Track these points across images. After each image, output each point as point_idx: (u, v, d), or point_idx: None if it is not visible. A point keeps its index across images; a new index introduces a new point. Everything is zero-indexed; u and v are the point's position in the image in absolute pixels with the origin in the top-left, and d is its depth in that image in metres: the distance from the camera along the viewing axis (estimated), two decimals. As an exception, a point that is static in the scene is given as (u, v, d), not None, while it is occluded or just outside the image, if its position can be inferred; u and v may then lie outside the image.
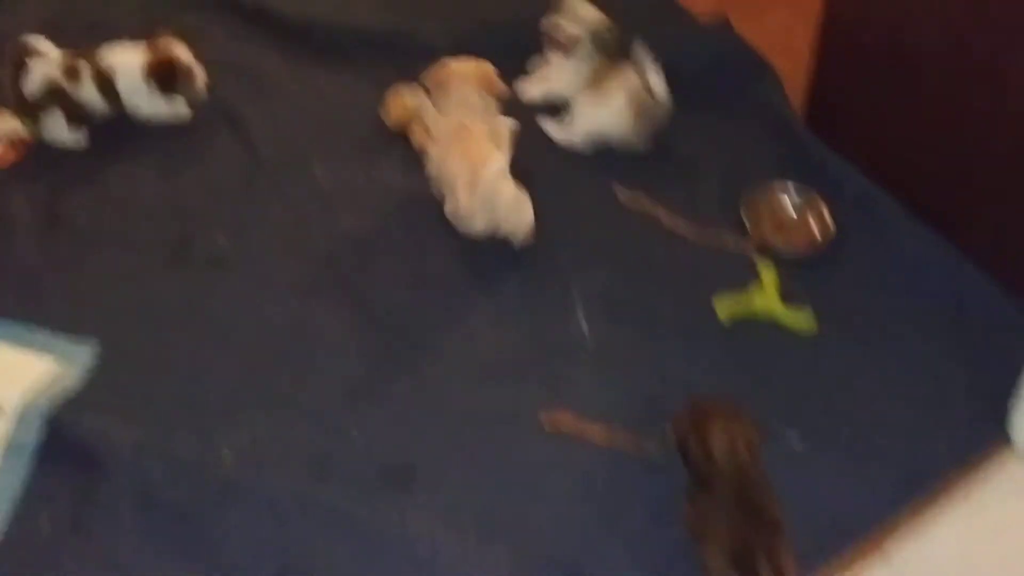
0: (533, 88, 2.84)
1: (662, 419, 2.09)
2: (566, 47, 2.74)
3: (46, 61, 2.66)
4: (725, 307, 2.32)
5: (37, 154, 2.74)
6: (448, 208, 2.51)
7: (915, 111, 2.44)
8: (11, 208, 2.61)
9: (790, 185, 2.57)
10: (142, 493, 2.05)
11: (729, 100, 2.84)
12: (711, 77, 2.87)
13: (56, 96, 2.66)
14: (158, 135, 2.81)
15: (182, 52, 2.74)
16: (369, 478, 2.09)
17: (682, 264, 2.45)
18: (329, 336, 2.34)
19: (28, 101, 2.67)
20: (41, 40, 2.71)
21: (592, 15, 2.75)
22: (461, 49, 2.80)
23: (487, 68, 2.60)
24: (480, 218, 2.44)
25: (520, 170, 2.49)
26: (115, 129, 2.80)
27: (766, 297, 2.34)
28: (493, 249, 2.50)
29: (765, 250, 2.44)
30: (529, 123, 2.75)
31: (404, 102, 2.76)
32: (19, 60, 2.66)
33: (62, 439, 2.13)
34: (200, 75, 2.76)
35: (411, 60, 2.91)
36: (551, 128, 2.75)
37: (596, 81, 2.70)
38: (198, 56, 2.78)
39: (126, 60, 2.71)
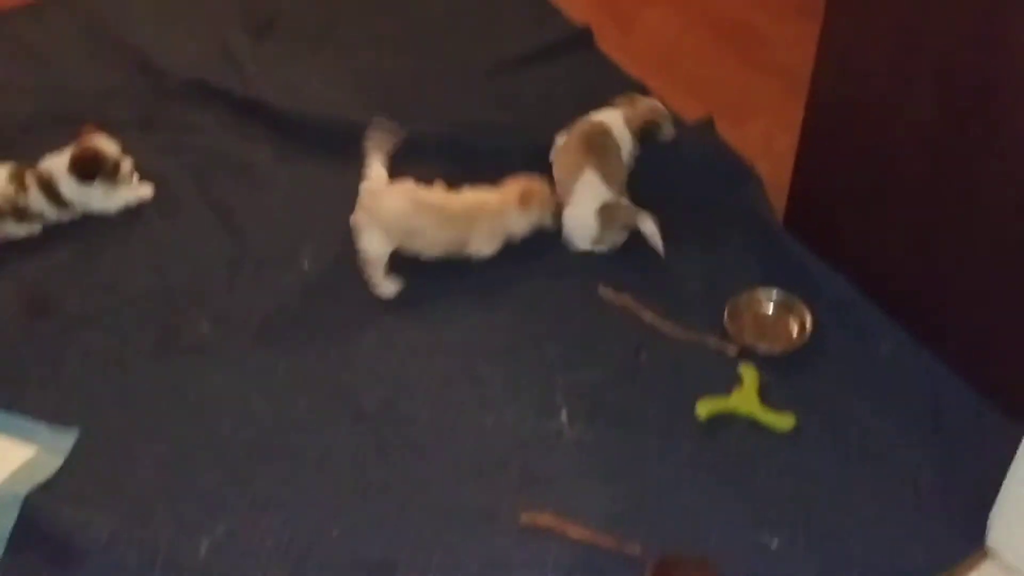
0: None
1: (641, 517, 2.10)
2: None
3: None
4: (706, 408, 2.34)
5: (27, 240, 2.77)
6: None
7: (892, 216, 2.50)
8: (-1, 293, 2.63)
9: (772, 289, 2.62)
10: (116, 583, 2.02)
11: (713, 203, 2.89)
12: (696, 179, 2.93)
13: (8, 208, 2.73)
14: (147, 223, 2.84)
15: (104, 144, 2.80)
16: (348, 575, 2.06)
17: (665, 364, 2.47)
18: (312, 429, 2.34)
19: None
20: None
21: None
22: (450, 146, 2.87)
23: (537, 183, 2.71)
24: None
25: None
26: (103, 217, 2.84)
27: (747, 399, 2.36)
28: (478, 343, 2.53)
29: (747, 353, 2.47)
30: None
31: None
32: None
33: (38, 526, 2.12)
34: (126, 165, 2.83)
35: (401, 154, 2.97)
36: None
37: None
38: (124, 147, 2.86)
39: (60, 162, 2.78)
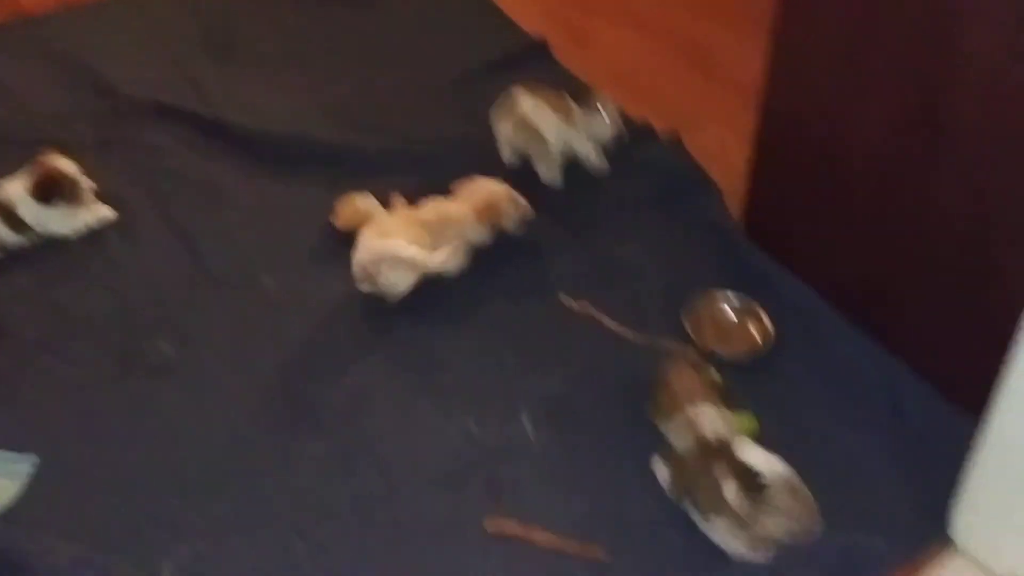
0: None
1: (606, 521, 2.12)
2: None
3: None
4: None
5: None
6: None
7: (847, 222, 2.53)
8: (-46, 322, 2.60)
9: (730, 293, 2.64)
10: (77, 608, 2.00)
11: (673, 210, 2.93)
12: (658, 190, 2.97)
13: None
14: (106, 246, 2.83)
15: (63, 165, 2.80)
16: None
17: (626, 370, 2.48)
18: (273, 447, 2.33)
19: None
20: None
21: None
22: (413, 163, 2.88)
23: (501, 194, 2.72)
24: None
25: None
26: (61, 241, 2.83)
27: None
28: (440, 355, 2.53)
29: (707, 356, 2.49)
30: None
31: (355, 205, 2.82)
32: None
33: (-3, 553, 2.08)
34: (85, 186, 2.82)
35: (362, 171, 3.00)
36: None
37: None
38: (83, 170, 2.85)
39: (18, 186, 2.76)
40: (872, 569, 2.10)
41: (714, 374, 2.32)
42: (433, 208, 2.69)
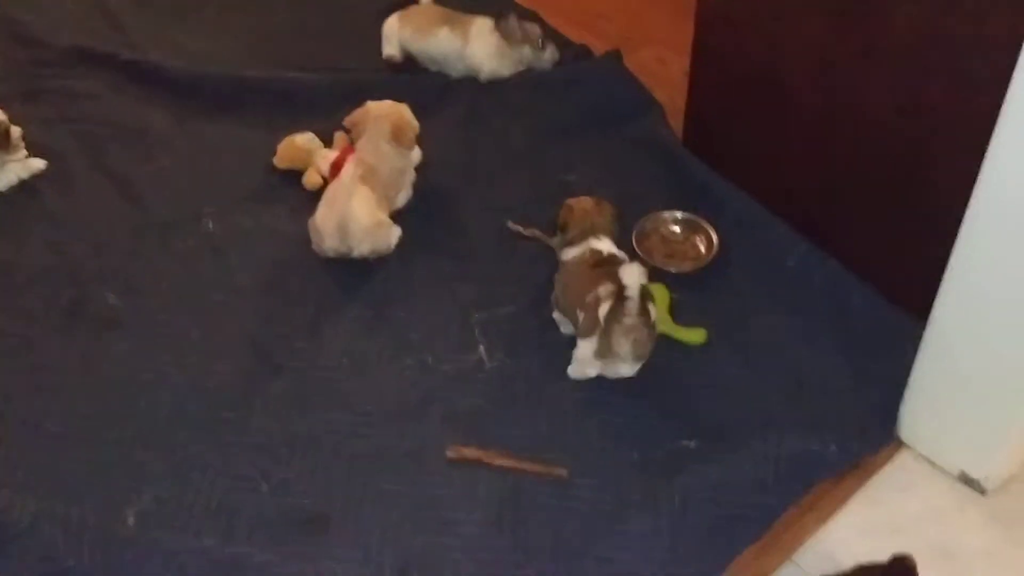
0: None
1: (564, 439, 2.17)
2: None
3: None
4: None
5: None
6: (310, 225, 2.56)
7: (787, 131, 2.55)
8: None
9: (676, 212, 2.66)
10: (43, 560, 1.99)
11: (616, 130, 2.93)
12: (602, 108, 2.97)
13: None
14: (41, 199, 2.77)
15: None
16: (280, 531, 2.06)
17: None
18: (230, 389, 2.32)
19: None
20: None
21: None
22: (346, 97, 2.84)
23: (401, 112, 2.63)
24: (330, 235, 2.50)
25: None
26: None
27: (659, 317, 2.40)
28: (391, 287, 2.53)
29: (656, 273, 2.51)
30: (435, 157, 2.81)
31: (295, 143, 2.78)
32: None
33: (-44, 514, 2.06)
34: (16, 133, 2.76)
35: (297, 108, 2.95)
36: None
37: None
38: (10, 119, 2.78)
39: None
40: (824, 470, 2.16)
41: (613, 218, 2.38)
42: (366, 164, 2.60)
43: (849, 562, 1.88)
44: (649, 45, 3.21)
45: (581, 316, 2.22)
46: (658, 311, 2.39)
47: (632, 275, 2.12)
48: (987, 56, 2.00)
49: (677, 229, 2.65)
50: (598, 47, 3.16)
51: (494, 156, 2.87)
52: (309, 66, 3.14)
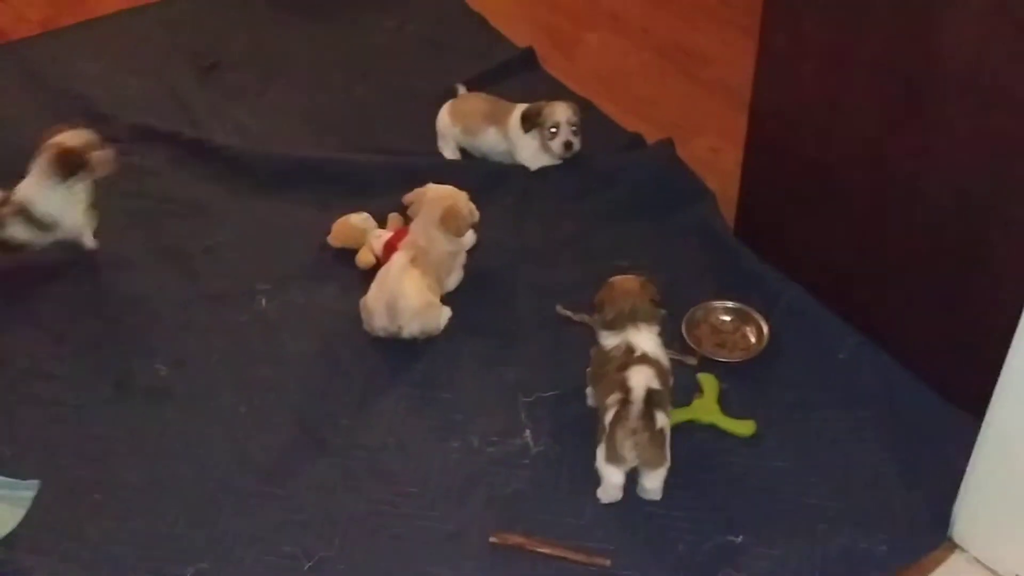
0: None
1: (609, 528, 2.14)
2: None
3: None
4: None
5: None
6: (361, 304, 2.58)
7: (840, 224, 2.54)
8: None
9: (727, 301, 2.65)
10: (82, 633, 1.99)
11: (668, 217, 2.94)
12: (654, 195, 2.99)
13: None
14: (96, 271, 2.82)
15: (82, 138, 2.78)
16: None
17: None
18: (275, 464, 2.33)
19: None
20: None
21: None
22: (403, 178, 2.89)
23: (456, 199, 2.65)
24: (380, 315, 2.51)
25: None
26: (53, 265, 2.82)
27: (707, 407, 2.39)
28: (439, 368, 2.54)
29: (706, 363, 2.50)
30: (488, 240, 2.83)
31: (350, 222, 2.82)
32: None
33: (-1, 581, 2.08)
34: (106, 157, 2.80)
35: (353, 188, 3.00)
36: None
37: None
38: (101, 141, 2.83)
39: (31, 184, 2.75)
40: (873, 570, 2.11)
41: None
42: (418, 246, 2.62)
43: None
44: (703, 135, 3.24)
45: (601, 422, 2.20)
46: (707, 401, 2.40)
47: (639, 379, 2.11)
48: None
49: (727, 319, 2.64)
50: (651, 135, 3.19)
51: (545, 240, 2.89)
52: (366, 148, 3.20)
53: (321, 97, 3.43)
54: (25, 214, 2.73)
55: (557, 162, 3.06)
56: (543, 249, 2.87)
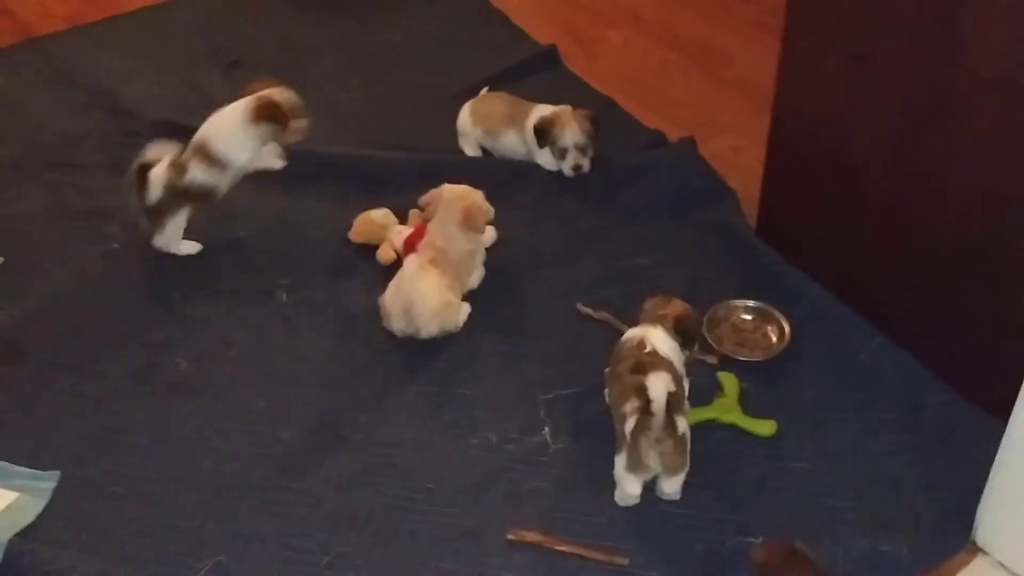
0: None
1: (627, 527, 2.14)
2: None
3: (158, 169, 2.76)
4: (688, 417, 2.34)
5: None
6: (380, 303, 2.59)
7: (862, 222, 2.53)
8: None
9: (748, 300, 2.64)
10: (102, 624, 2.00)
11: (689, 216, 2.93)
12: (675, 196, 2.98)
13: (175, 193, 2.75)
14: (119, 265, 2.84)
15: (290, 100, 2.81)
16: (340, 605, 2.05)
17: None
18: (294, 459, 2.33)
19: (155, 210, 2.77)
20: (153, 148, 2.80)
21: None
22: (426, 175, 2.89)
23: (474, 198, 2.65)
24: (397, 317, 2.52)
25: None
26: (74, 259, 2.84)
27: (728, 407, 2.38)
28: (458, 365, 2.54)
29: (727, 362, 2.48)
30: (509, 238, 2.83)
31: (371, 218, 2.83)
32: (140, 179, 2.75)
33: (22, 572, 2.08)
34: (302, 126, 2.83)
35: (375, 184, 3.00)
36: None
37: None
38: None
39: (217, 123, 2.78)
40: (896, 574, 2.08)
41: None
42: (436, 246, 2.62)
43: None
44: (724, 133, 3.23)
45: (619, 428, 2.18)
46: (728, 401, 2.38)
47: (658, 387, 2.08)
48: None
49: (749, 318, 2.62)
50: (673, 134, 3.18)
51: (565, 238, 2.89)
52: (387, 144, 3.20)
53: (342, 93, 3.44)
54: (203, 152, 2.75)
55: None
56: (563, 247, 2.86)
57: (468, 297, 2.67)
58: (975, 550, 2.15)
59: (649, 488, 2.20)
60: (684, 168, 3.04)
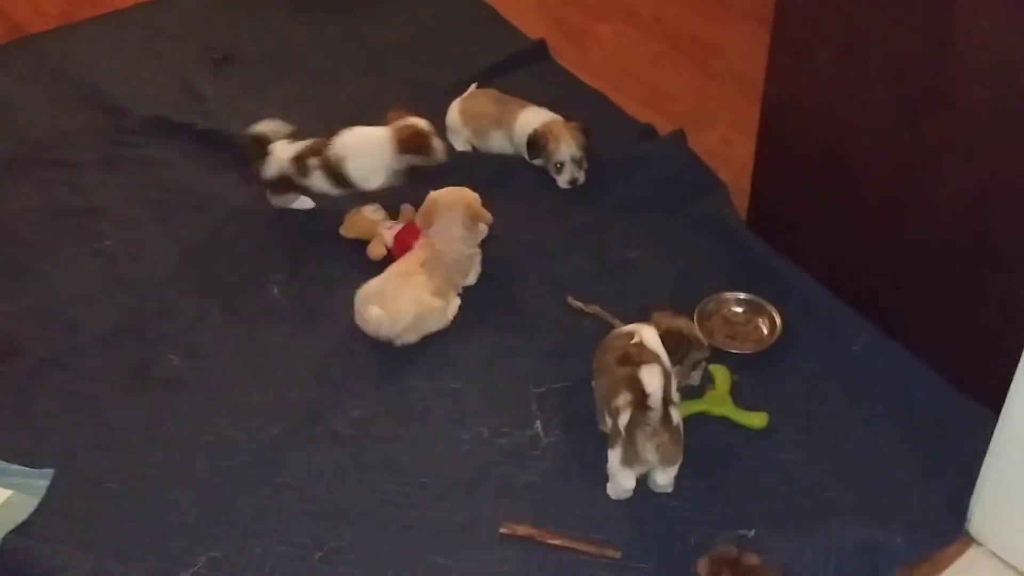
0: None
1: (619, 520, 2.14)
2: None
3: (281, 153, 2.85)
4: (680, 410, 2.35)
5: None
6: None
7: (854, 215, 2.53)
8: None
9: (739, 293, 2.64)
10: (97, 620, 2.00)
11: (679, 209, 2.93)
12: (665, 189, 2.97)
13: (290, 184, 2.87)
14: (112, 262, 2.83)
15: (428, 126, 2.85)
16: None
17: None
18: (287, 454, 2.33)
19: (268, 183, 2.89)
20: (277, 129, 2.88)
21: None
22: (418, 172, 2.89)
23: (470, 197, 2.65)
24: (370, 329, 2.54)
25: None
26: (68, 257, 2.84)
27: (719, 399, 2.38)
28: (450, 359, 2.54)
29: (718, 355, 2.49)
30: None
31: (361, 214, 2.83)
32: (260, 151, 2.85)
33: (16, 568, 2.09)
34: (442, 147, 2.86)
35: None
36: None
37: None
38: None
39: (357, 146, 2.82)
40: (889, 564, 2.09)
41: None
42: (433, 248, 2.62)
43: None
44: (715, 126, 3.23)
45: (610, 423, 2.18)
46: (719, 393, 2.39)
47: (653, 380, 2.08)
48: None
49: (740, 310, 2.63)
50: (664, 127, 3.18)
51: (556, 232, 2.89)
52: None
53: (333, 88, 3.44)
54: (331, 169, 2.81)
55: None
56: (554, 241, 2.86)
57: (461, 292, 2.67)
58: (969, 540, 2.16)
59: (641, 481, 2.20)
60: (675, 161, 3.04)
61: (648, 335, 2.24)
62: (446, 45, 3.63)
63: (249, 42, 3.67)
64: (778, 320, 2.57)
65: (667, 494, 2.21)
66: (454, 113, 3.16)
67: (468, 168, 2.96)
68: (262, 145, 2.85)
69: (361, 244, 2.82)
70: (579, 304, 2.64)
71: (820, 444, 2.32)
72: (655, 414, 2.07)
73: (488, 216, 2.65)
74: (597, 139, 3.04)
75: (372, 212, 2.84)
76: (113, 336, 2.63)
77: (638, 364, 2.13)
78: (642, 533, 2.15)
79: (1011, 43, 2.01)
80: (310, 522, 2.20)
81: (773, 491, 2.23)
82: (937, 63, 2.16)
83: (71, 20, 3.81)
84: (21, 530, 2.17)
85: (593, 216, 2.93)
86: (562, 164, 2.97)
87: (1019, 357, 1.92)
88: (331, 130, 2.89)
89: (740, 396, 2.40)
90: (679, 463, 2.17)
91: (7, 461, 2.31)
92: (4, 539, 2.13)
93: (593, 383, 2.34)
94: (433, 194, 2.67)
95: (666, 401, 2.10)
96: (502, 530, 2.15)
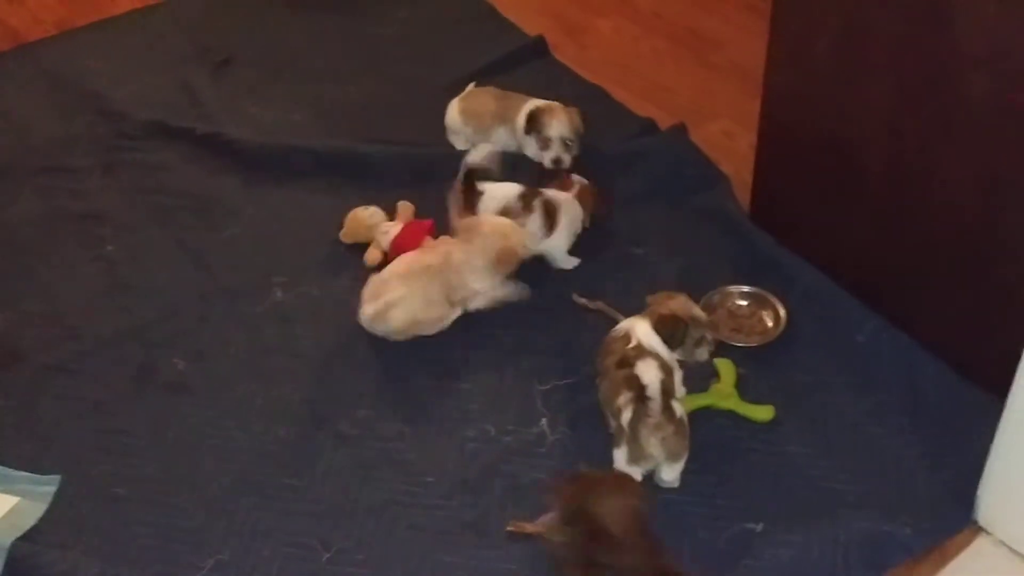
0: None
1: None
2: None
3: (505, 196, 2.73)
4: (685, 404, 2.34)
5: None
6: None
7: (856, 205, 2.52)
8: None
9: (743, 286, 2.64)
10: (104, 626, 2.00)
11: (682, 204, 2.93)
12: (668, 181, 2.97)
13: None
14: (114, 267, 2.83)
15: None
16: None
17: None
18: (292, 456, 2.33)
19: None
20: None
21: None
22: (416, 169, 2.88)
23: (515, 241, 2.59)
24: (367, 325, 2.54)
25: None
26: (69, 262, 2.84)
27: (725, 393, 2.38)
28: (454, 357, 2.54)
29: (723, 348, 2.48)
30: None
31: (359, 219, 2.82)
32: (468, 188, 2.70)
33: (24, 575, 2.09)
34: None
35: (365, 179, 3.00)
36: None
37: None
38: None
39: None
40: (897, 554, 2.09)
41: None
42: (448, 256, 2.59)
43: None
44: (716, 119, 3.22)
45: (614, 424, 2.19)
46: (725, 386, 2.38)
47: (650, 373, 2.08)
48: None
49: (744, 303, 2.62)
50: (664, 121, 3.18)
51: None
52: (377, 139, 3.19)
53: (332, 89, 3.43)
54: (550, 214, 2.71)
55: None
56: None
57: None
58: (977, 529, 2.15)
59: (648, 477, 2.20)
60: (676, 155, 3.03)
61: (642, 332, 2.23)
62: (445, 43, 3.62)
63: (247, 44, 3.67)
64: (782, 312, 2.56)
65: (673, 489, 2.21)
66: (454, 113, 3.15)
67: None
68: (472, 182, 2.71)
69: (363, 245, 2.81)
70: (583, 300, 2.64)
71: (826, 436, 2.31)
72: (655, 404, 2.07)
73: (512, 268, 2.61)
74: (598, 135, 3.04)
75: (368, 216, 2.82)
76: (116, 341, 2.63)
77: (635, 364, 2.13)
78: (649, 525, 2.14)
79: (1010, 30, 2.00)
80: (317, 523, 2.19)
81: (780, 484, 2.22)
82: (936, 51, 2.15)
83: (68, 27, 3.80)
84: (29, 536, 2.17)
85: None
86: (549, 140, 2.95)
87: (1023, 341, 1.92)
88: (333, 132, 2.88)
89: (746, 389, 2.39)
90: (685, 458, 2.17)
91: (12, 468, 2.31)
92: (12, 546, 2.12)
93: (598, 380, 2.34)
94: (484, 217, 2.65)
95: (667, 394, 2.09)
96: (509, 528, 2.15)
